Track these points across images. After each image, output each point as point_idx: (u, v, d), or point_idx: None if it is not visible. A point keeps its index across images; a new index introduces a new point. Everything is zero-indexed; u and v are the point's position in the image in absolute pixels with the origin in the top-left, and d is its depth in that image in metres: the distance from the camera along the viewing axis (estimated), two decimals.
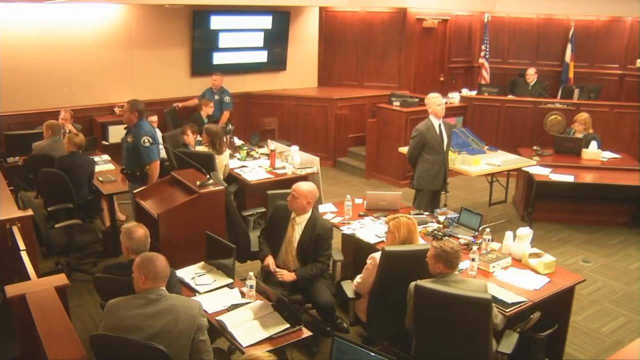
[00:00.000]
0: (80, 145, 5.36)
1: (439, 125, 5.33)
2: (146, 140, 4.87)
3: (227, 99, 7.91)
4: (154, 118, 6.67)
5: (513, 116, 8.14)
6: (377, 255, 3.48)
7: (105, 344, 2.55)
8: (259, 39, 8.80)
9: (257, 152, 6.52)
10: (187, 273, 3.65)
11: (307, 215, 3.88)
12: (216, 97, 7.84)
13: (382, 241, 4.08)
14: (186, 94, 8.31)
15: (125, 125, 5.13)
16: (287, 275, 3.81)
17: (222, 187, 4.37)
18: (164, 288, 2.70)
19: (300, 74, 9.33)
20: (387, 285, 3.39)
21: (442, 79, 9.94)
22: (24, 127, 6.78)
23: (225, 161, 5.70)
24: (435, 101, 5.31)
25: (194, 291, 3.45)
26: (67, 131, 6.29)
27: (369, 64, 9.37)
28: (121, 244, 3.19)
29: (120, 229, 3.26)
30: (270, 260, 3.94)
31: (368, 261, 3.54)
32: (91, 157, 5.83)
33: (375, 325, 3.59)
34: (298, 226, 3.88)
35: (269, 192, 4.60)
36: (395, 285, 3.27)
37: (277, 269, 3.85)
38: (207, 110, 7.39)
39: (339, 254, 4.33)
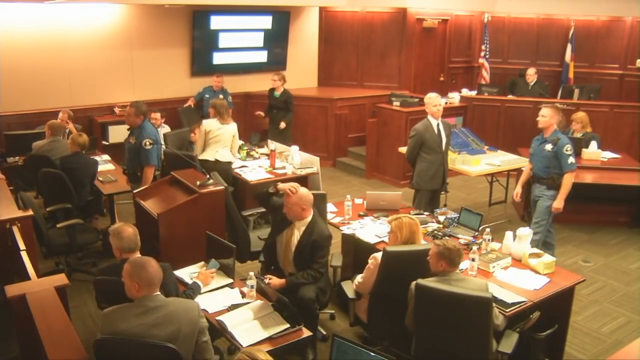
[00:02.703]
0: (84, 146, 5.36)
1: (437, 125, 5.33)
2: (147, 143, 4.95)
3: (230, 98, 7.99)
4: (157, 115, 6.68)
5: (513, 116, 8.14)
6: (378, 255, 3.48)
7: (111, 347, 2.51)
8: (259, 39, 8.80)
9: (257, 152, 6.52)
10: (187, 273, 3.64)
11: (306, 221, 3.79)
12: (220, 96, 7.88)
13: (382, 241, 4.09)
14: (186, 94, 8.32)
15: (129, 127, 5.19)
16: (277, 282, 3.69)
17: (222, 187, 4.38)
18: (159, 293, 2.64)
19: (300, 74, 9.33)
20: (388, 286, 3.39)
21: (442, 79, 9.94)
22: (24, 127, 6.78)
23: (233, 131, 5.76)
24: (432, 102, 5.32)
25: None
26: (68, 131, 6.30)
27: (369, 64, 9.37)
28: (111, 245, 3.14)
29: (108, 231, 3.21)
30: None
31: (370, 261, 3.53)
32: (93, 157, 5.79)
33: (376, 326, 3.59)
34: (297, 231, 3.81)
35: None
36: (396, 285, 3.27)
37: (267, 275, 3.75)
38: (280, 87, 7.75)
39: (339, 259, 4.29)
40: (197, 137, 6.10)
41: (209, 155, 5.61)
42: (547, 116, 4.88)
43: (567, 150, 4.78)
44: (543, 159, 4.95)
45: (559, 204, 4.93)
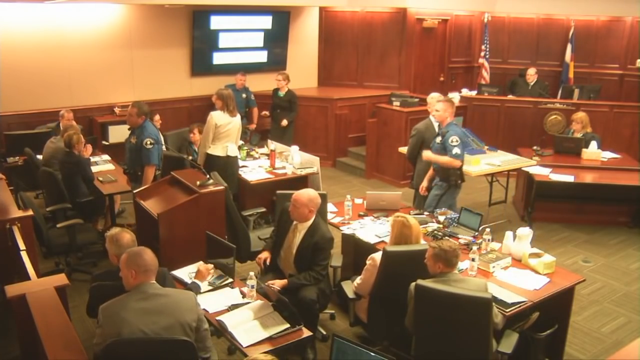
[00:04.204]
0: (68, 144, 5.28)
1: (439, 125, 5.33)
2: (148, 143, 4.99)
3: (252, 96, 8.11)
4: (158, 117, 6.67)
5: (513, 116, 8.14)
6: (376, 256, 3.48)
7: (124, 349, 2.50)
8: (259, 39, 8.80)
9: (257, 152, 6.51)
10: (186, 273, 3.63)
11: (309, 223, 3.80)
12: (243, 95, 7.98)
13: (383, 241, 4.08)
14: (186, 94, 8.33)
15: (130, 127, 5.20)
16: (279, 283, 3.69)
17: (222, 187, 4.38)
18: (155, 282, 2.68)
19: (300, 74, 9.32)
20: (388, 286, 3.39)
21: (442, 79, 9.94)
22: (24, 127, 6.78)
23: (239, 124, 5.63)
24: (433, 102, 5.34)
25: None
26: None
27: (369, 64, 9.37)
28: (108, 252, 3.08)
29: (105, 237, 3.18)
30: (264, 256, 3.99)
31: (368, 262, 3.53)
32: (83, 156, 5.56)
33: (376, 326, 3.58)
34: (299, 233, 3.82)
35: (279, 192, 4.54)
36: (397, 285, 3.26)
37: (269, 282, 3.71)
38: (284, 87, 7.86)
39: (339, 259, 4.29)
40: (196, 137, 6.09)
41: (219, 150, 5.43)
42: (440, 110, 5.02)
43: (452, 142, 4.86)
44: (435, 151, 5.06)
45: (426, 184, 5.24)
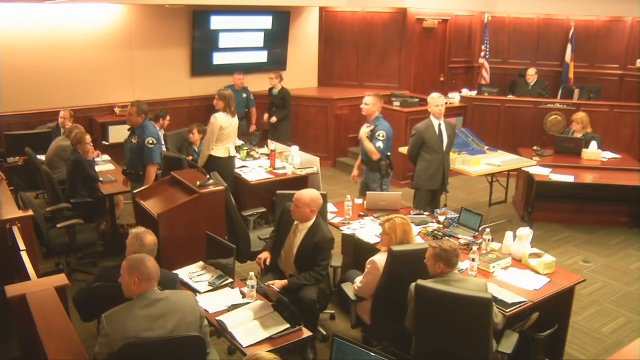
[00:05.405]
0: (72, 142, 5.34)
1: (439, 125, 5.34)
2: (150, 142, 5.01)
3: (252, 95, 8.23)
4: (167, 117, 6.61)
5: (513, 116, 8.14)
6: (376, 259, 3.48)
7: (136, 352, 2.50)
8: (259, 39, 8.80)
9: (257, 152, 6.52)
10: (186, 273, 3.64)
11: (310, 223, 3.80)
12: (243, 95, 8.05)
13: None
14: (186, 94, 8.33)
15: (129, 127, 5.20)
16: (279, 284, 3.70)
17: (222, 187, 4.38)
18: (156, 288, 2.67)
19: (300, 74, 9.33)
20: (394, 286, 3.37)
21: (442, 79, 9.93)
22: (24, 127, 6.78)
23: (237, 124, 5.68)
24: (433, 102, 5.34)
25: (193, 290, 3.44)
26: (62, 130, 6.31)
27: (369, 64, 9.37)
28: (127, 248, 3.05)
29: (128, 232, 3.17)
30: (264, 256, 3.98)
31: (367, 265, 3.52)
32: (83, 156, 5.51)
33: (380, 327, 3.57)
34: (300, 233, 3.81)
35: (279, 192, 4.56)
36: (402, 285, 3.24)
37: (269, 282, 3.70)
38: (277, 85, 7.99)
39: (339, 259, 4.29)
40: (195, 137, 6.10)
41: (221, 151, 5.45)
42: (369, 104, 5.20)
43: (378, 135, 5.09)
44: (360, 142, 5.24)
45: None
